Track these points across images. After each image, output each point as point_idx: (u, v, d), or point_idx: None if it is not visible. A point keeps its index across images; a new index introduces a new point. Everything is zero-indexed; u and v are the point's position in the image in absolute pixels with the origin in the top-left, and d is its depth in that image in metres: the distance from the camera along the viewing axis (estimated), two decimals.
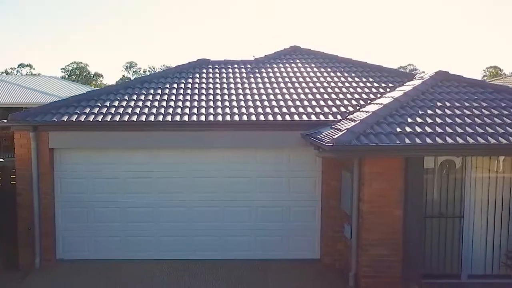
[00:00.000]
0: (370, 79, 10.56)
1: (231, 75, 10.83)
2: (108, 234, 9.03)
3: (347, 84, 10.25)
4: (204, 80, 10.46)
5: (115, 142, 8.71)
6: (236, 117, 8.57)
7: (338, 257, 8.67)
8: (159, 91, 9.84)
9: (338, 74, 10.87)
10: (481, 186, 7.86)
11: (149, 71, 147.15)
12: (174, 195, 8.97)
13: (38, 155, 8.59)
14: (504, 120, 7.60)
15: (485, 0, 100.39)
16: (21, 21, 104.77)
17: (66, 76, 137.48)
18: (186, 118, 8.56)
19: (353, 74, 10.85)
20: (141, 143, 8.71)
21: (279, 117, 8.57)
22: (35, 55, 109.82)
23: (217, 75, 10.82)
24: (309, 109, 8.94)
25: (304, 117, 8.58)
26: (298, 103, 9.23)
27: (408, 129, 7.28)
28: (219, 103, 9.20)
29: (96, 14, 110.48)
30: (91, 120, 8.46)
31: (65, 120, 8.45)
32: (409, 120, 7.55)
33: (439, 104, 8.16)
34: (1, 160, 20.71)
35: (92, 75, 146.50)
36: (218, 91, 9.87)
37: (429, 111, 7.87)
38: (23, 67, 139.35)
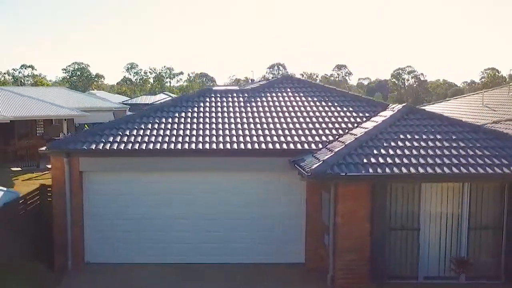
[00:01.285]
0: (350, 109, 12.32)
1: (230, 103, 12.59)
2: (126, 242, 10.79)
3: (329, 114, 12.02)
4: (207, 109, 12.22)
5: (132, 166, 10.48)
6: (235, 145, 10.36)
7: (319, 261, 10.42)
8: (170, 120, 11.61)
9: (323, 103, 12.63)
10: (433, 204, 9.64)
11: (150, 72, 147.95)
12: (182, 208, 10.73)
13: (70, 176, 10.36)
14: (451, 152, 9.38)
15: (484, 0, 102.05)
16: (21, 21, 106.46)
17: (68, 77, 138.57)
18: (193, 146, 10.35)
19: (335, 104, 12.60)
20: (154, 166, 10.49)
21: (270, 146, 10.37)
22: (36, 56, 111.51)
23: (219, 103, 12.58)
24: (296, 138, 10.73)
25: (291, 146, 10.38)
26: (287, 132, 11.02)
27: (373, 160, 9.06)
28: (220, 132, 10.98)
29: (96, 14, 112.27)
30: (115, 148, 10.23)
31: (93, 148, 10.22)
32: (375, 151, 9.34)
33: (402, 136, 9.94)
34: (19, 169, 22.56)
35: (93, 76, 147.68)
36: (220, 119, 11.64)
37: (393, 143, 9.66)
38: (25, 68, 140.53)
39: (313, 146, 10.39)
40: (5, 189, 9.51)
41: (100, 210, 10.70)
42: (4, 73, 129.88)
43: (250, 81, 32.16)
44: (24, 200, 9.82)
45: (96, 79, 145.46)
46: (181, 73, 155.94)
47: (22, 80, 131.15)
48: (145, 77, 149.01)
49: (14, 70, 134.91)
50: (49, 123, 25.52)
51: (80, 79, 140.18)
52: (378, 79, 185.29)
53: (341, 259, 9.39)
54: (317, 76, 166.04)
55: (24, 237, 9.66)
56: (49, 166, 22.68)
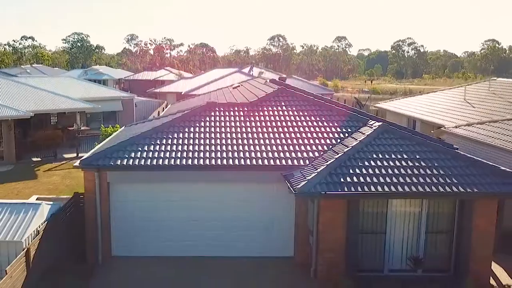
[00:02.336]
0: (335, 124, 14.32)
1: (232, 118, 14.58)
2: (146, 239, 13.00)
3: (317, 129, 14.01)
4: (212, 124, 14.21)
5: (150, 178, 12.58)
6: (236, 161, 12.42)
7: (305, 256, 12.65)
8: (181, 135, 13.62)
9: (312, 118, 14.61)
10: (398, 213, 11.82)
11: (150, 43, 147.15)
12: (193, 212, 12.91)
13: (100, 187, 12.49)
14: (413, 171, 11.47)
15: None
16: None
17: (69, 48, 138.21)
18: (201, 161, 12.41)
19: (323, 119, 14.59)
20: (168, 178, 12.59)
21: (266, 162, 12.45)
22: (37, 27, 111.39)
23: (222, 118, 14.56)
24: (287, 154, 12.80)
25: (283, 162, 12.46)
26: (280, 148, 13.07)
27: (349, 179, 11.16)
28: (224, 147, 13.01)
29: None
30: (137, 164, 12.31)
31: (118, 164, 12.30)
32: (351, 171, 11.42)
33: (374, 156, 12.00)
34: (39, 159, 24.67)
35: (93, 48, 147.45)
36: (223, 135, 13.63)
37: (366, 163, 11.73)
38: (25, 39, 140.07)
39: (301, 162, 12.47)
40: (51, 202, 11.58)
41: (124, 214, 12.88)
42: (5, 45, 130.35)
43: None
44: (64, 209, 11.95)
45: (96, 50, 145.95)
46: (182, 44, 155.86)
47: (23, 52, 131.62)
48: (145, 48, 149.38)
49: (14, 41, 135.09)
50: (63, 113, 27.42)
51: (80, 50, 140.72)
52: (378, 50, 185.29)
53: (321, 257, 11.65)
54: (317, 48, 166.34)
55: (65, 239, 11.84)
56: (66, 156, 24.85)
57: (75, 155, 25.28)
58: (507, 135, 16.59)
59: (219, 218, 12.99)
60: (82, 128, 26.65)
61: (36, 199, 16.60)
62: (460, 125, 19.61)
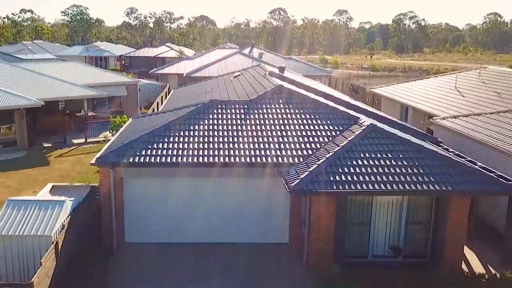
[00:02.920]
0: (328, 122, 15.56)
1: (233, 116, 15.81)
2: (156, 227, 14.43)
3: (311, 127, 15.27)
4: (215, 122, 15.46)
5: (159, 173, 13.93)
6: (237, 159, 13.72)
7: (299, 243, 14.13)
8: (187, 133, 14.88)
9: (307, 116, 15.85)
10: (381, 206, 13.23)
11: (149, 16, 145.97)
12: (199, 203, 14.30)
13: (114, 181, 13.86)
14: (396, 170, 12.79)
15: None
16: None
17: (68, 22, 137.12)
18: (206, 159, 13.72)
19: (317, 117, 15.82)
20: (176, 173, 13.92)
21: (264, 159, 13.76)
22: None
23: (227, 115, 15.78)
24: (283, 152, 14.10)
25: (280, 160, 13.77)
26: (277, 146, 14.36)
27: (337, 178, 12.50)
28: (225, 145, 14.29)
29: None
30: (147, 161, 13.61)
31: (130, 161, 13.62)
32: (340, 170, 12.74)
33: (362, 155, 13.30)
34: (50, 145, 25.96)
35: (93, 21, 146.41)
36: (225, 132, 14.89)
37: (354, 162, 13.05)
38: (24, 12, 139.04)
39: (296, 159, 13.79)
40: (73, 198, 12.94)
41: (136, 205, 14.30)
42: (4, 18, 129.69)
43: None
44: (83, 202, 13.34)
45: (96, 23, 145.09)
46: (181, 17, 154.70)
47: (22, 25, 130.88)
48: (145, 22, 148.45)
49: (13, 14, 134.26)
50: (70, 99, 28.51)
51: (80, 23, 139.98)
52: (379, 23, 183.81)
53: (313, 246, 13.13)
54: (318, 22, 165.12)
55: (84, 229, 13.28)
56: (75, 142, 26.11)
57: (83, 140, 26.62)
58: (488, 129, 17.88)
59: (221, 209, 14.41)
60: (89, 114, 27.83)
61: (52, 187, 18.10)
62: (447, 117, 20.86)
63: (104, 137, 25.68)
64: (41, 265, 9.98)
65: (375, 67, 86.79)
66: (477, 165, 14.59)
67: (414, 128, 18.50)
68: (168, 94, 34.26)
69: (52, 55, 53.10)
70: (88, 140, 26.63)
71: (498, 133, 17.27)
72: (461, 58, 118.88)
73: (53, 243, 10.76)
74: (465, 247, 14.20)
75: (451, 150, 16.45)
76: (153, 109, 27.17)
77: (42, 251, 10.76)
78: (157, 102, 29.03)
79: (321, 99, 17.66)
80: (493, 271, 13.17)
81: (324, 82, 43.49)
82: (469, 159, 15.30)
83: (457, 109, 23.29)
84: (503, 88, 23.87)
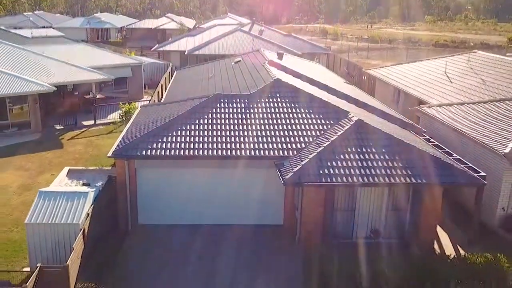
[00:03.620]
0: (321, 116, 17.14)
1: (235, 109, 17.39)
2: (166, 210, 16.28)
3: (305, 121, 16.88)
4: (219, 116, 17.04)
5: (169, 164, 15.65)
6: (239, 152, 15.42)
7: (292, 225, 16.00)
8: (193, 126, 16.51)
9: (302, 110, 17.42)
10: (365, 195, 15.03)
11: None
12: (206, 189, 16.07)
13: (128, 171, 15.61)
14: (378, 164, 14.50)
15: None
16: None
17: None
18: (210, 152, 15.41)
19: (311, 111, 17.40)
20: (183, 164, 15.66)
21: (262, 153, 15.45)
22: None
23: (229, 109, 17.35)
24: (279, 145, 15.77)
25: (276, 153, 15.46)
26: (273, 139, 16.02)
27: (326, 171, 14.22)
28: (228, 139, 15.96)
29: None
30: (158, 154, 15.31)
31: (142, 154, 15.32)
32: (328, 164, 14.45)
33: (349, 150, 14.98)
34: (62, 127, 27.59)
35: None
36: (231, 126, 16.49)
37: (342, 157, 14.74)
38: None
39: (290, 153, 15.47)
40: (94, 188, 14.69)
41: (148, 191, 16.08)
42: None
43: None
44: (103, 191, 15.13)
45: None
46: None
47: None
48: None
49: None
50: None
51: None
52: None
53: (304, 228, 15.01)
54: None
55: (104, 213, 15.11)
56: (84, 124, 27.68)
57: (92, 122, 28.24)
58: (468, 120, 19.48)
59: (223, 195, 16.19)
60: (97, 97, 29.31)
61: (68, 171, 19.94)
62: (432, 105, 22.40)
63: (114, 121, 27.31)
64: (73, 249, 11.84)
65: (375, 38, 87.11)
66: (453, 156, 16.35)
67: (400, 117, 20.08)
68: (171, 74, 35.58)
69: (55, 32, 53.79)
70: (97, 122, 28.24)
71: (477, 124, 18.88)
72: (461, 28, 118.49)
73: (81, 230, 12.59)
74: (440, 229, 16.21)
75: (431, 140, 18.17)
76: (158, 92, 28.62)
77: (71, 237, 12.59)
78: (161, 84, 30.41)
79: (316, 90, 19.21)
80: (461, 251, 15.15)
81: (322, 60, 44.67)
82: (447, 150, 17.04)
83: (444, 96, 24.76)
84: (489, 76, 25.23)
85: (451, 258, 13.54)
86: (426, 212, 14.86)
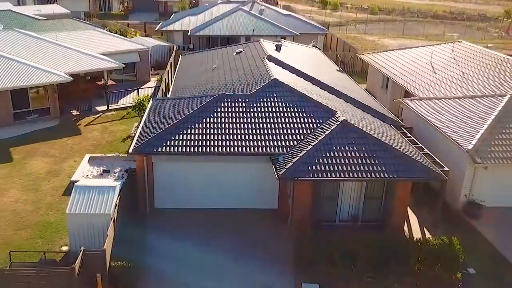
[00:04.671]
0: (312, 115, 19.68)
1: (237, 109, 19.92)
2: (176, 198, 19.13)
3: (299, 120, 19.44)
4: (224, 115, 19.59)
5: (180, 158, 18.37)
6: (241, 149, 18.09)
7: (286, 209, 18.87)
8: (202, 124, 19.10)
9: (295, 109, 19.94)
10: (347, 186, 17.81)
11: None
12: (213, 179, 18.86)
13: (147, 164, 18.36)
14: (358, 161, 17.19)
15: None
16: None
17: None
18: (217, 149, 18.08)
19: (303, 110, 19.93)
20: (195, 158, 18.38)
21: (260, 149, 18.12)
22: None
23: (232, 109, 19.88)
24: (275, 143, 18.41)
25: (272, 150, 18.13)
26: (270, 137, 18.64)
27: (314, 167, 16.93)
28: (230, 136, 18.58)
29: None
30: (171, 150, 17.98)
31: (160, 150, 18.00)
32: (316, 161, 17.15)
33: (334, 148, 17.63)
34: (78, 113, 30.11)
35: None
36: (233, 125, 19.03)
37: (328, 154, 17.41)
38: None
39: (284, 150, 18.15)
40: (119, 182, 17.40)
41: (163, 180, 18.88)
42: None
43: None
44: (126, 182, 17.91)
45: None
46: None
47: None
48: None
49: None
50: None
51: None
52: None
53: (295, 214, 17.89)
54: None
55: (127, 199, 17.94)
56: (98, 109, 30.16)
57: (105, 107, 30.73)
58: (442, 115, 22.03)
59: (227, 183, 19.00)
60: (109, 83, 31.66)
61: (89, 158, 22.72)
62: (414, 98, 24.86)
63: (127, 111, 29.82)
64: (107, 236, 14.71)
65: (374, 9, 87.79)
66: (424, 151, 19.05)
67: (382, 112, 22.60)
68: (175, 57, 37.73)
69: (61, 8, 55.17)
70: (109, 108, 30.74)
71: (449, 119, 21.44)
72: None
73: (111, 219, 15.42)
74: (411, 212, 19.13)
75: (408, 135, 20.80)
76: (165, 80, 30.95)
77: (103, 225, 15.42)
78: (168, 71, 32.69)
79: (309, 86, 21.79)
80: (427, 234, 18.12)
81: (319, 42, 46.53)
82: (420, 145, 19.71)
83: (427, 87, 27.17)
84: (469, 68, 27.53)
85: (415, 240, 16.46)
86: (397, 201, 17.70)
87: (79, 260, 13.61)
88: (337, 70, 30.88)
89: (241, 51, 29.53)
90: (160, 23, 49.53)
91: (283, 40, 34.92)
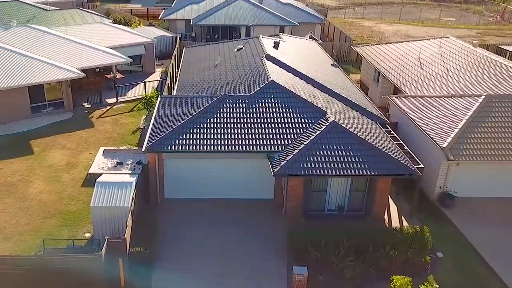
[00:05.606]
0: (305, 115, 21.94)
1: (238, 109, 22.16)
2: (183, 189, 21.59)
3: (293, 120, 21.71)
4: (225, 115, 21.86)
5: (188, 155, 20.74)
6: (241, 147, 20.45)
7: (281, 199, 21.37)
8: (206, 124, 21.39)
9: (290, 110, 22.20)
10: (334, 181, 20.24)
11: None
12: (217, 172, 21.26)
13: (158, 160, 20.76)
14: (344, 159, 19.55)
15: None
16: None
17: None
18: (220, 147, 20.44)
19: (296, 110, 22.18)
20: (198, 155, 20.76)
21: (258, 148, 20.48)
22: None
23: (233, 109, 22.12)
24: (272, 141, 20.75)
25: (269, 148, 20.48)
26: (267, 136, 20.96)
27: (305, 165, 19.31)
28: (232, 136, 20.91)
29: None
30: (180, 148, 20.35)
31: (169, 148, 20.37)
32: (307, 159, 19.51)
33: (323, 147, 19.95)
34: (89, 105, 32.37)
35: None
36: (234, 125, 21.32)
37: (318, 153, 19.75)
38: None
39: (279, 148, 20.51)
40: (135, 177, 19.81)
41: (172, 174, 21.31)
42: None
43: None
44: (140, 175, 20.38)
45: None
46: None
47: None
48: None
49: None
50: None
51: None
52: None
53: (288, 204, 20.38)
54: None
55: (141, 191, 20.42)
56: (108, 101, 32.32)
57: (115, 100, 32.94)
58: (424, 113, 24.26)
59: (229, 177, 21.44)
60: (117, 76, 33.77)
61: (103, 151, 25.12)
62: (400, 96, 27.03)
63: (135, 104, 31.96)
64: (127, 226, 17.24)
65: None
66: (404, 149, 21.41)
67: (370, 110, 24.83)
68: (178, 48, 39.66)
69: None
70: (119, 100, 32.95)
71: (429, 117, 23.69)
72: None
73: (130, 211, 17.92)
74: (392, 203, 21.64)
75: (391, 132, 23.10)
76: (170, 74, 33.07)
77: (123, 216, 17.91)
78: (172, 64, 34.76)
79: (304, 85, 23.99)
80: (404, 222, 20.68)
81: (316, 30, 48.24)
82: (400, 142, 22.04)
83: (414, 83, 29.28)
84: (453, 66, 29.58)
85: (392, 228, 18.99)
86: (378, 193, 20.16)
87: (105, 247, 16.15)
88: (331, 64, 32.89)
89: (242, 48, 31.51)
90: (163, 12, 51.07)
91: (281, 34, 36.82)
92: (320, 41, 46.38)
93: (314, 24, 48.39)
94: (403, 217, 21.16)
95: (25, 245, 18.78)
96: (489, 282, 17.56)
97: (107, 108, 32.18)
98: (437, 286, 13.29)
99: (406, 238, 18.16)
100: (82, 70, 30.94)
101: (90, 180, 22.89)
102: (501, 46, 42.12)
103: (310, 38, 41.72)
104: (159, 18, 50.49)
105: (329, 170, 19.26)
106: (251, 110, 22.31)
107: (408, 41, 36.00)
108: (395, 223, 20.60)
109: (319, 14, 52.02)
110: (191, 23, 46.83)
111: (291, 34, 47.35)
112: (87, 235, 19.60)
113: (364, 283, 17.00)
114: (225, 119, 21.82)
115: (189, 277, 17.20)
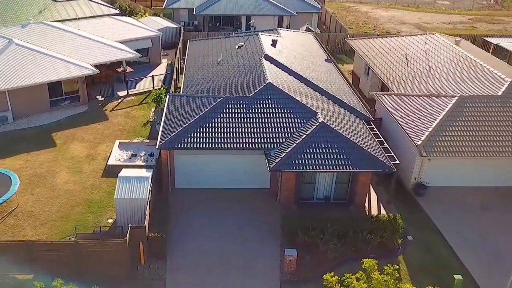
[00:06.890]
0: (298, 115, 24.92)
1: (240, 110, 25.15)
2: (191, 180, 24.81)
3: (287, 120, 24.71)
4: (228, 115, 24.86)
5: (196, 152, 23.86)
6: (243, 145, 23.54)
7: (276, 189, 24.61)
8: (211, 124, 24.41)
9: (285, 110, 25.17)
10: (322, 174, 23.43)
11: None
12: (221, 166, 24.46)
13: (170, 156, 23.91)
14: (332, 156, 22.65)
15: None
16: None
17: None
18: (224, 145, 23.54)
19: (290, 111, 25.15)
20: (205, 152, 23.88)
21: (257, 145, 23.57)
22: None
23: (234, 110, 25.11)
24: (268, 139, 23.82)
25: (266, 146, 23.57)
26: (265, 134, 24.03)
27: (297, 161, 22.44)
28: (234, 134, 23.96)
29: None
30: (189, 146, 23.44)
31: (179, 146, 23.47)
32: (299, 156, 22.61)
33: (313, 145, 23.02)
34: (102, 98, 35.31)
35: None
36: (235, 124, 24.34)
37: (309, 151, 22.84)
38: None
39: (275, 145, 23.60)
40: (151, 171, 22.96)
41: (182, 167, 24.50)
42: None
43: None
44: (155, 169, 23.57)
45: None
46: None
47: None
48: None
49: None
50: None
51: None
52: None
53: (282, 194, 23.65)
54: None
55: (154, 182, 23.64)
56: (120, 94, 35.22)
57: (126, 93, 35.82)
58: (404, 112, 27.20)
59: (231, 169, 24.64)
60: (127, 70, 36.54)
61: (119, 144, 28.25)
62: (385, 93, 29.90)
63: (144, 97, 34.76)
64: (145, 215, 20.54)
65: None
66: (384, 146, 24.51)
67: (357, 108, 27.77)
68: (182, 40, 42.18)
69: None
70: (129, 93, 35.84)
71: (408, 115, 26.66)
72: None
73: (147, 202, 21.19)
74: (373, 192, 24.92)
75: (374, 130, 26.14)
76: (176, 68, 35.81)
77: (141, 206, 21.17)
78: (177, 57, 37.46)
79: (298, 84, 26.96)
80: (382, 210, 23.99)
81: (313, 20, 50.49)
82: (381, 139, 25.11)
83: (399, 80, 32.02)
84: (436, 64, 32.23)
85: (370, 216, 22.29)
86: (360, 185, 23.39)
87: (128, 234, 19.49)
88: (325, 60, 35.57)
89: (242, 45, 34.17)
90: (167, 0, 53.16)
91: (279, 28, 39.28)
92: (318, 31, 48.80)
93: (311, 14, 50.60)
94: (381, 205, 24.46)
95: (59, 230, 22.13)
96: (449, 261, 20.99)
97: (119, 100, 35.08)
98: (397, 267, 16.43)
99: (381, 224, 21.48)
100: (95, 66, 33.70)
101: (109, 171, 26.09)
102: (486, 39, 44.52)
103: (306, 30, 44.13)
104: (163, 7, 52.61)
105: (318, 166, 22.41)
106: (250, 111, 25.29)
107: (398, 36, 38.40)
108: (374, 210, 23.91)
109: (316, 2, 54.01)
110: (194, 13, 49.09)
111: (289, 24, 49.74)
112: (110, 221, 22.93)
113: (344, 262, 20.41)
114: (227, 119, 24.84)
115: (196, 255, 20.65)
